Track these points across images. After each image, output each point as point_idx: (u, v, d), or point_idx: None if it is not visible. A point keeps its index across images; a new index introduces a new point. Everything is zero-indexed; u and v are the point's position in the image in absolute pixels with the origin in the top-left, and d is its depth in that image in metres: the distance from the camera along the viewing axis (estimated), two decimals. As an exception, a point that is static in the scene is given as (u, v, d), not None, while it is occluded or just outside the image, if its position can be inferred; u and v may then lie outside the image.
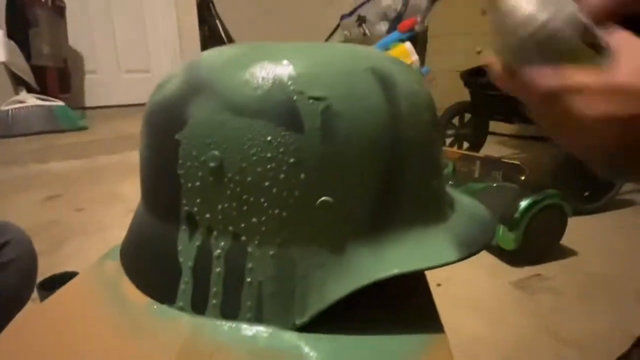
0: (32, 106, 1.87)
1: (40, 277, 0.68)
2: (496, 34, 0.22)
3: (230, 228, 0.20)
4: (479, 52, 2.07)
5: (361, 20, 2.64)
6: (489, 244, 0.22)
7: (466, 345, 0.61)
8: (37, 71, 1.97)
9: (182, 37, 2.62)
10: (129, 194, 1.28)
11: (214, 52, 0.23)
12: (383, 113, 0.20)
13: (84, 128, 2.00)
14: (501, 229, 0.81)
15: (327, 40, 2.90)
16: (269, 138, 0.19)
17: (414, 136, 0.21)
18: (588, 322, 0.68)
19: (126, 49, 2.49)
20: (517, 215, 0.79)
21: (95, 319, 0.22)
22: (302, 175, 0.19)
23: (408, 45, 1.76)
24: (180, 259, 0.21)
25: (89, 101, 2.42)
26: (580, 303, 0.74)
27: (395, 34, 1.86)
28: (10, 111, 1.83)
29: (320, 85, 0.19)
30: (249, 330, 0.20)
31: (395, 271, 0.19)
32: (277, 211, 0.20)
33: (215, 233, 0.21)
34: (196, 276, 0.21)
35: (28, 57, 1.94)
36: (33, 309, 0.23)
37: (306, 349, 0.19)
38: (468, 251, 0.21)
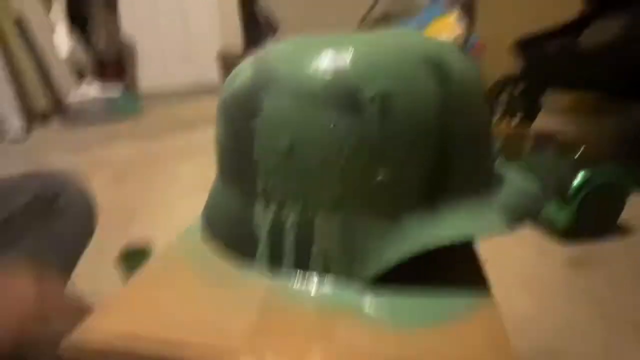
0: (94, 96, 2.04)
1: (116, 248, 0.78)
2: None
3: (300, 202, 0.24)
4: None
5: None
6: (537, 216, 0.24)
7: (514, 323, 0.62)
8: (96, 62, 2.13)
9: (223, 22, 2.68)
10: (185, 175, 1.38)
11: (280, 47, 0.26)
12: (434, 98, 0.22)
13: (140, 112, 2.14)
14: (553, 206, 0.79)
15: (368, 12, 2.83)
16: (333, 123, 0.22)
17: (465, 119, 0.23)
18: (645, 301, 0.66)
19: (172, 37, 2.60)
20: (571, 190, 0.76)
21: (190, 277, 0.26)
22: (363, 155, 0.22)
23: (453, 17, 1.69)
24: (257, 229, 0.25)
25: (141, 86, 2.57)
26: (635, 283, 0.71)
27: (439, 8, 1.78)
28: (75, 102, 2.01)
29: (377, 74, 0.22)
30: (317, 285, 0.23)
31: (447, 239, 0.22)
32: (340, 187, 0.23)
33: (286, 207, 0.24)
34: (271, 244, 0.25)
35: (87, 50, 2.09)
36: (141, 272, 0.28)
37: (366, 303, 0.22)
38: (516, 222, 0.23)
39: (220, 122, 0.27)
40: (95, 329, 0.22)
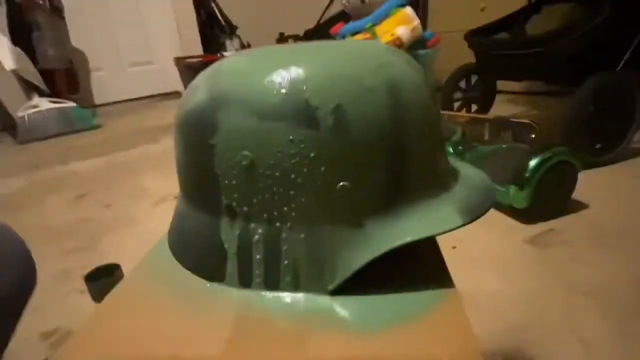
0: (46, 110, 1.93)
1: (83, 271, 0.75)
2: None
3: (265, 216, 0.24)
4: (482, 9, 2.02)
5: (359, -13, 2.57)
6: (490, 208, 0.25)
7: (485, 302, 0.66)
8: (45, 74, 2.02)
9: (180, 25, 2.61)
10: (151, 187, 1.34)
11: (233, 62, 0.26)
12: (387, 107, 0.23)
13: (97, 126, 2.06)
14: (512, 189, 0.83)
15: (325, 10, 2.84)
16: (290, 137, 0.22)
17: (416, 124, 0.24)
18: (600, 271, 0.71)
19: (127, 44, 2.51)
20: (527, 174, 0.81)
21: (162, 300, 0.26)
22: (322, 167, 0.22)
23: (409, 10, 1.74)
24: (225, 246, 0.25)
25: (98, 99, 2.46)
26: (592, 254, 0.76)
27: (395, 0, 1.82)
28: (26, 116, 1.89)
29: (331, 87, 0.22)
30: (289, 297, 0.24)
31: (407, 239, 0.23)
32: (303, 199, 0.23)
33: (252, 222, 0.24)
34: (240, 261, 0.25)
35: (34, 61, 1.98)
36: (107, 299, 0.28)
37: (337, 309, 0.23)
38: (470, 217, 0.24)
39: (179, 141, 0.27)
40: (70, 356, 0.21)
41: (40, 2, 1.95)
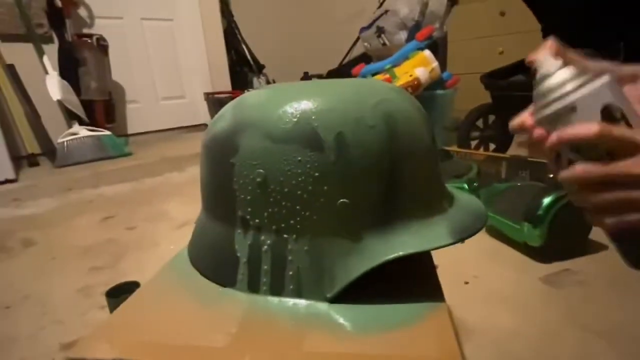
0: (83, 137, 2.07)
1: (104, 288, 0.78)
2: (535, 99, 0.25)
3: (274, 228, 0.27)
4: (501, 53, 2.08)
5: (380, 31, 2.70)
6: (480, 230, 0.28)
7: (495, 338, 0.65)
8: (86, 105, 2.18)
9: (211, 63, 2.80)
10: (173, 212, 1.40)
11: (253, 95, 0.30)
12: (383, 138, 0.26)
13: (129, 154, 2.18)
14: (526, 227, 0.83)
15: (348, 52, 2.98)
16: (299, 158, 0.26)
17: (409, 151, 0.27)
18: (616, 312, 0.69)
19: (162, 79, 2.70)
20: (540, 212, 0.81)
21: (178, 300, 0.29)
22: (325, 186, 0.26)
23: (427, 52, 1.81)
24: (238, 254, 0.28)
25: (131, 128, 2.62)
26: (608, 295, 0.74)
27: (413, 43, 1.91)
28: (65, 143, 2.03)
29: (335, 118, 0.26)
30: (292, 303, 0.27)
31: (400, 253, 0.25)
32: (308, 213, 0.26)
33: (263, 233, 0.28)
34: (250, 268, 0.28)
35: (78, 92, 2.16)
36: (132, 298, 0.31)
37: (335, 315, 0.25)
38: (460, 236, 0.27)
39: (204, 161, 0.31)
40: (94, 345, 0.24)
41: (89, 40, 2.15)
